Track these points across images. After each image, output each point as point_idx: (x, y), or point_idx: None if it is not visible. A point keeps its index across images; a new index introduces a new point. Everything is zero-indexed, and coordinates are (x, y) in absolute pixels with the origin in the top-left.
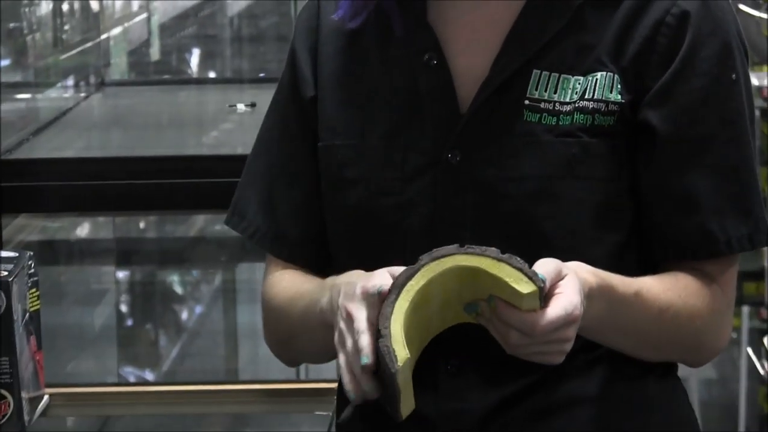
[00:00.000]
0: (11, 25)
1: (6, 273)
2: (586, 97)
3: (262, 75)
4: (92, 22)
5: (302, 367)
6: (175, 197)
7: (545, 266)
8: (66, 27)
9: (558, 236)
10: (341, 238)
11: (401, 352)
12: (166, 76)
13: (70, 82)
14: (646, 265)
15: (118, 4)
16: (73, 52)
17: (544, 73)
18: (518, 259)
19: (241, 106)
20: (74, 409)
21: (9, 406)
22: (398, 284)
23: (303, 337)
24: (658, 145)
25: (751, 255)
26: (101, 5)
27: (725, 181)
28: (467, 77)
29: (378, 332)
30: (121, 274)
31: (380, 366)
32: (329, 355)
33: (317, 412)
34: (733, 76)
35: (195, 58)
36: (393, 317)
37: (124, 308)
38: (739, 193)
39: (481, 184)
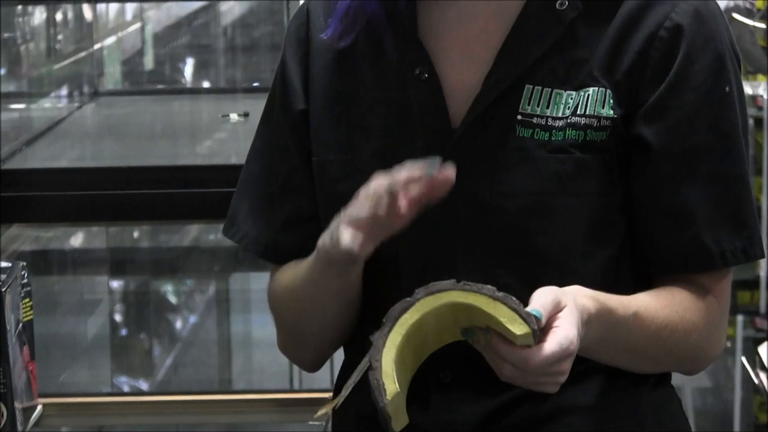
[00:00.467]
0: (5, 34)
1: None
2: (578, 112)
3: (255, 84)
4: (86, 31)
5: (296, 376)
6: (168, 207)
7: (543, 297)
8: (60, 36)
9: (551, 251)
10: None
11: (390, 386)
12: (159, 86)
13: (64, 91)
14: (640, 279)
15: (112, 14)
16: (67, 61)
17: (536, 88)
18: (514, 299)
19: (234, 116)
20: (68, 419)
21: (2, 416)
22: (392, 317)
23: (310, 312)
24: (652, 158)
25: (746, 264)
26: (95, 14)
27: (719, 193)
28: (459, 91)
29: (369, 364)
30: (115, 284)
31: (371, 393)
32: (342, 324)
33: (311, 422)
34: (727, 88)
35: (189, 67)
36: (384, 350)
37: (117, 318)
38: (733, 206)
39: (473, 199)
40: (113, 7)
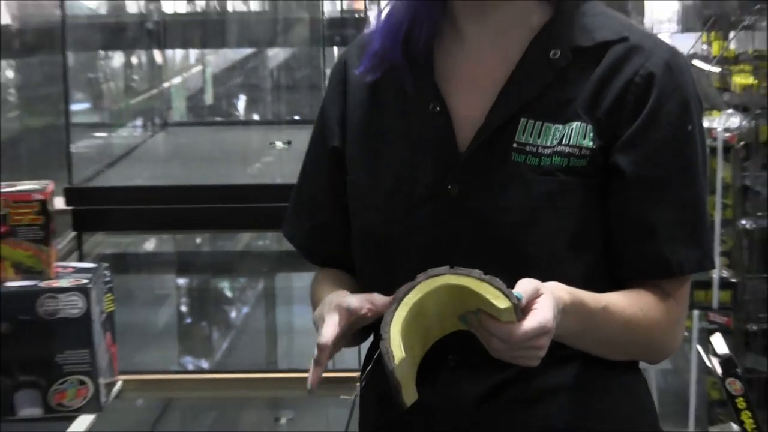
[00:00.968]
0: (90, 75)
1: (86, 281)
2: (563, 142)
3: (296, 117)
4: (156, 72)
5: None
6: (224, 219)
7: (524, 285)
8: (135, 77)
9: (539, 257)
10: (359, 253)
11: (398, 352)
12: (217, 118)
13: (139, 122)
14: (613, 282)
15: (178, 58)
16: (141, 97)
17: (529, 121)
18: (498, 280)
19: (279, 144)
20: (142, 392)
21: (89, 390)
22: (398, 297)
23: None
24: (624, 183)
25: None
26: (164, 58)
27: (679, 215)
28: (466, 123)
29: (380, 336)
30: (180, 281)
31: (382, 363)
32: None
33: (341, 396)
34: (690, 127)
35: (241, 102)
36: (392, 323)
37: (182, 309)
38: (690, 226)
39: (475, 212)
40: (179, 52)
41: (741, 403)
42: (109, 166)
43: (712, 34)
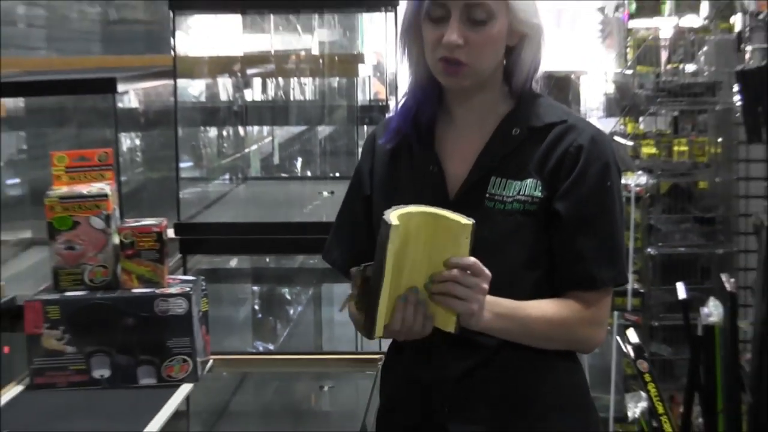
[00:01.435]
0: (193, 143)
1: (188, 289)
2: (521, 193)
3: (337, 174)
4: (240, 141)
5: (358, 342)
6: (286, 245)
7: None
8: (225, 144)
9: (503, 273)
10: None
11: (380, 323)
12: (282, 174)
13: (227, 177)
14: (555, 292)
15: (255, 131)
16: (229, 158)
17: (498, 178)
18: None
19: (325, 193)
20: (227, 368)
21: (189, 366)
22: (384, 232)
23: None
24: (563, 222)
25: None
26: (245, 131)
27: (601, 244)
28: (455, 178)
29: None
30: (255, 288)
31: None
32: None
33: (367, 372)
34: (609, 183)
35: (299, 163)
36: (381, 292)
37: (256, 308)
38: (609, 251)
39: None
40: (256, 128)
41: (647, 377)
42: (206, 207)
43: (627, 118)
